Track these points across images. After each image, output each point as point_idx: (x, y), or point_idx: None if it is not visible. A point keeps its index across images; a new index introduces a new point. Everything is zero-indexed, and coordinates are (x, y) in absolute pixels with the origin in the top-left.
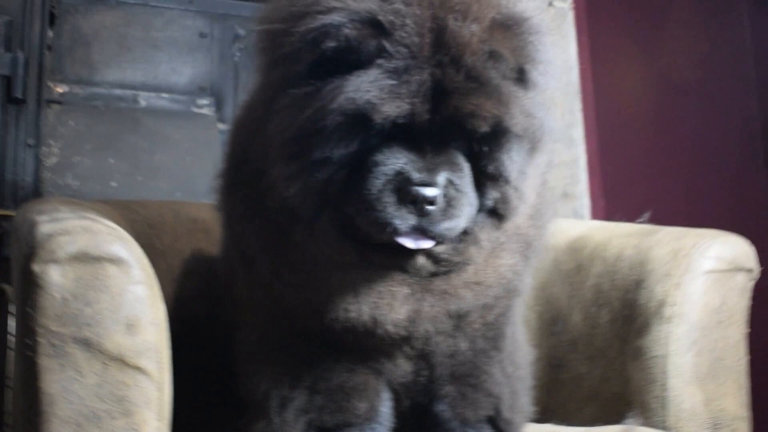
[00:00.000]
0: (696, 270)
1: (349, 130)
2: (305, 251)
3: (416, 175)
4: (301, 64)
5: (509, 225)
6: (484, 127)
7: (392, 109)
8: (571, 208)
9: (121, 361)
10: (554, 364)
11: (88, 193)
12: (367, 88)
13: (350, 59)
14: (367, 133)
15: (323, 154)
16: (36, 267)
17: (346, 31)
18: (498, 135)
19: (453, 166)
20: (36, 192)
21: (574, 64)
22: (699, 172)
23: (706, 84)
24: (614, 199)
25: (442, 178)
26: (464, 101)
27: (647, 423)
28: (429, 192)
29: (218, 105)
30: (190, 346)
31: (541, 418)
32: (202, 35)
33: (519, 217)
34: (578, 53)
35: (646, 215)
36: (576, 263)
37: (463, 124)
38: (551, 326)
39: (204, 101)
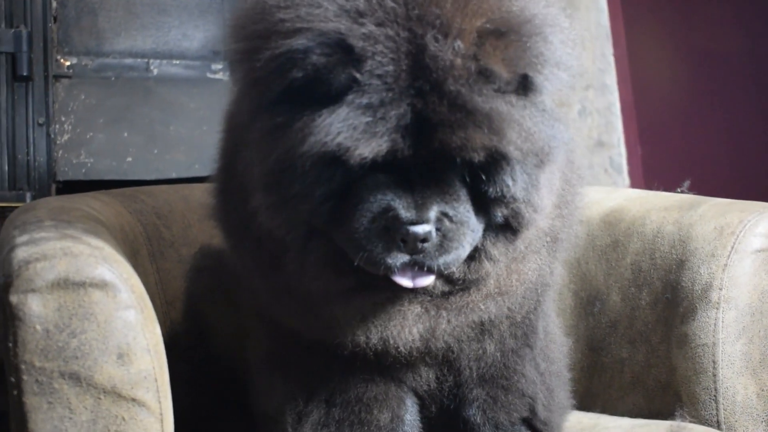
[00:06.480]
0: (744, 249)
1: (325, 169)
2: (300, 282)
3: (404, 214)
4: (271, 92)
5: (525, 236)
6: (477, 158)
7: (368, 149)
8: (606, 157)
9: (115, 394)
10: (594, 346)
11: (102, 170)
12: (338, 129)
13: (321, 90)
14: (347, 169)
15: (303, 191)
16: (13, 298)
17: (314, 58)
18: (495, 161)
19: (446, 197)
20: (50, 172)
21: (603, 6)
22: (739, 119)
23: (748, 21)
24: (651, 147)
25: (433, 213)
26: (450, 135)
27: (697, 418)
28: (420, 230)
29: None
30: (202, 347)
31: (583, 403)
32: None
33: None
34: None
35: (686, 183)
36: (612, 239)
37: (452, 157)
38: (588, 306)
39: (218, 66)
